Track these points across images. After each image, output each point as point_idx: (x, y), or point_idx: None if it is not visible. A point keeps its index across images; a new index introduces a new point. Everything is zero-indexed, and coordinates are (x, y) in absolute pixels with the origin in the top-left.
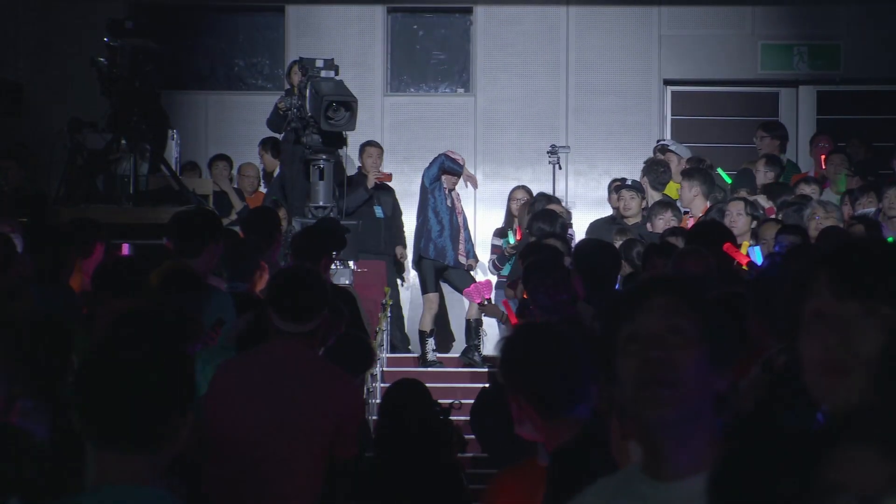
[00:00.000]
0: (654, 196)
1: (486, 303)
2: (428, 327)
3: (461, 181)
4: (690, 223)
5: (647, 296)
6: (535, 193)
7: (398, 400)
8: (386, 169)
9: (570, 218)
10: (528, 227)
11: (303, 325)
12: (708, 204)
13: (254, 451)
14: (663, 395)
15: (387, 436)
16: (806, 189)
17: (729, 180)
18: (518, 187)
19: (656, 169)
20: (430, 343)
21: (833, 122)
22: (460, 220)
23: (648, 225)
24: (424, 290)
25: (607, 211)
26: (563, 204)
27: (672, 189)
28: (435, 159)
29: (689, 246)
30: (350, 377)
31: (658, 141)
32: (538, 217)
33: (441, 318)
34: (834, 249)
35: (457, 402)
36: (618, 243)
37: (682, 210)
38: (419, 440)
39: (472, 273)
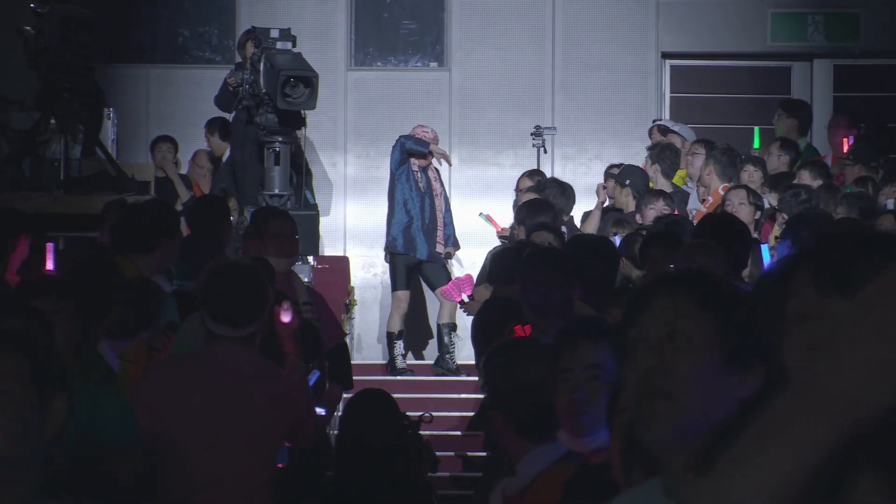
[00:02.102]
0: (665, 185)
1: (466, 300)
2: (396, 328)
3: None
4: (709, 202)
5: (649, 298)
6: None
7: (361, 412)
8: (350, 152)
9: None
10: (522, 221)
11: (239, 331)
12: (723, 187)
13: (199, 463)
14: (658, 409)
15: (348, 452)
16: (806, 176)
17: (758, 145)
18: (526, 174)
19: (668, 155)
20: (399, 347)
21: (851, 100)
22: (438, 203)
23: (638, 216)
24: (393, 288)
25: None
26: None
27: (677, 176)
28: (396, 142)
29: (697, 239)
30: (293, 375)
31: (654, 121)
32: (534, 208)
33: (414, 321)
34: (813, 243)
35: (427, 414)
36: (612, 235)
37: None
38: (384, 458)
39: (450, 264)
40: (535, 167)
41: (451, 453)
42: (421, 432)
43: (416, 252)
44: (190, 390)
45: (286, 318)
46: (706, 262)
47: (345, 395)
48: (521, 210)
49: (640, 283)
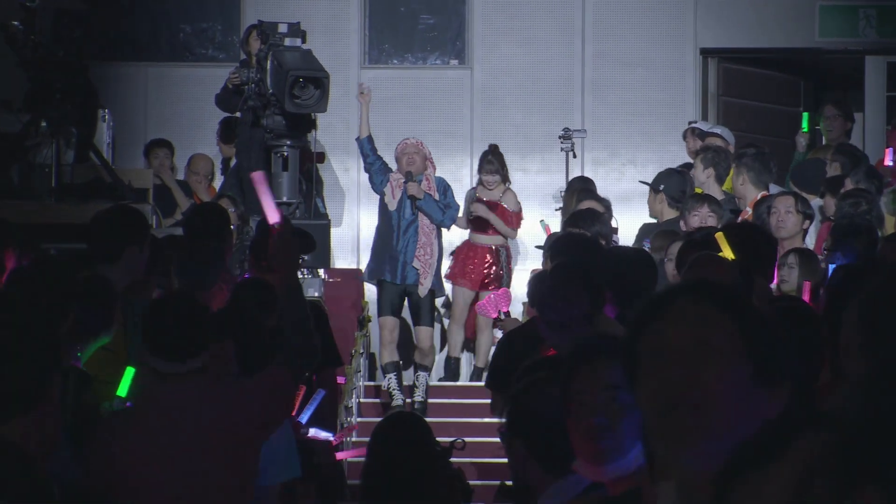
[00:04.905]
0: (717, 192)
1: (502, 317)
2: (385, 360)
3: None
4: (747, 214)
5: (671, 303)
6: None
7: (390, 438)
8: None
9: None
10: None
11: (183, 366)
12: (759, 194)
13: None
14: (688, 422)
15: (376, 481)
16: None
17: (806, 128)
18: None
19: (723, 159)
20: (391, 381)
21: None
22: (423, 226)
23: (682, 223)
24: (378, 314)
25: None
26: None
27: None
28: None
29: (705, 252)
30: (252, 383)
31: (690, 123)
32: (577, 218)
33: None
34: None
35: (460, 440)
36: (664, 250)
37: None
38: (414, 487)
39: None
40: (564, 174)
41: (485, 482)
42: (452, 459)
43: (398, 277)
44: (145, 441)
45: (273, 217)
46: (715, 275)
47: (359, 419)
48: (569, 221)
49: (657, 290)
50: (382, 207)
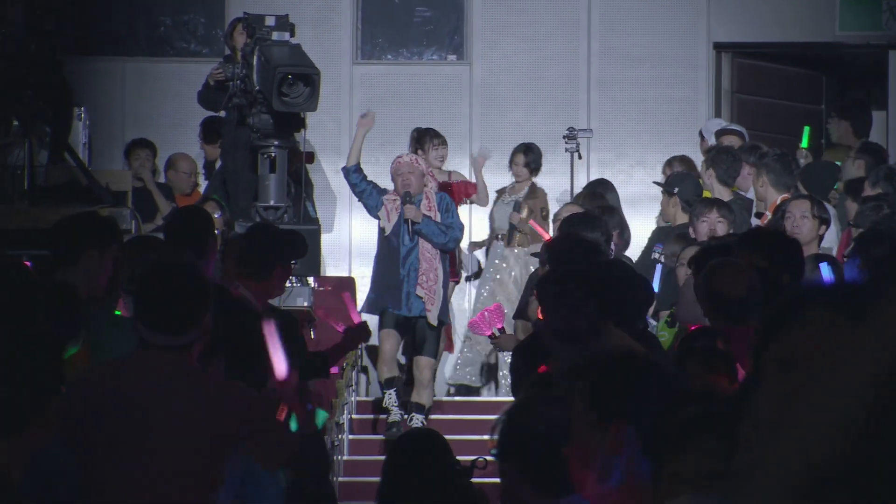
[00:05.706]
0: (722, 193)
1: (497, 334)
2: (385, 375)
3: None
4: (766, 217)
5: (800, 308)
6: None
7: (406, 456)
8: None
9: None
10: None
11: (176, 339)
12: (782, 198)
13: (122, 479)
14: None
15: (391, 502)
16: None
17: (806, 144)
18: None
19: (725, 159)
20: (391, 396)
21: None
22: (424, 250)
23: (691, 229)
24: (381, 326)
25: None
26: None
27: None
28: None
29: (722, 258)
30: (237, 385)
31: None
32: (576, 222)
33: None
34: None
35: (482, 459)
36: (677, 255)
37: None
38: None
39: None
40: (569, 176)
41: None
42: (473, 480)
43: (403, 307)
44: (112, 400)
45: (281, 372)
46: (732, 285)
47: (351, 437)
48: (564, 225)
49: (785, 295)
50: (381, 233)
